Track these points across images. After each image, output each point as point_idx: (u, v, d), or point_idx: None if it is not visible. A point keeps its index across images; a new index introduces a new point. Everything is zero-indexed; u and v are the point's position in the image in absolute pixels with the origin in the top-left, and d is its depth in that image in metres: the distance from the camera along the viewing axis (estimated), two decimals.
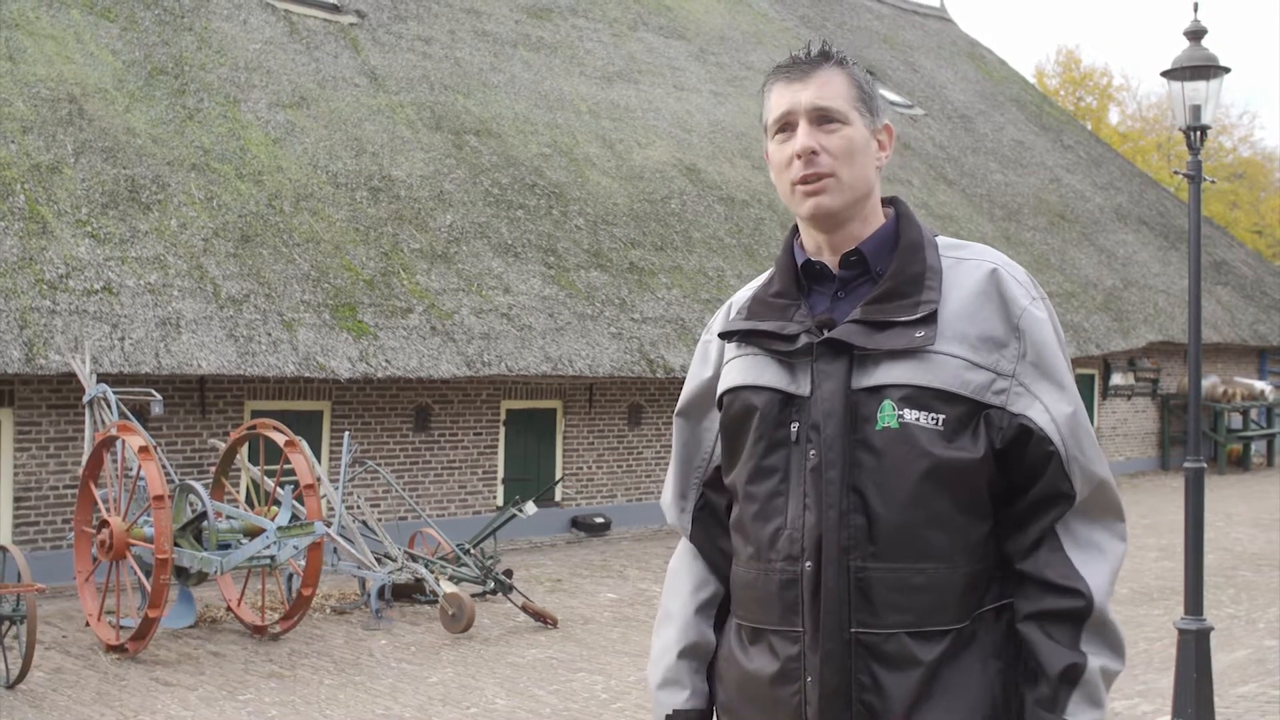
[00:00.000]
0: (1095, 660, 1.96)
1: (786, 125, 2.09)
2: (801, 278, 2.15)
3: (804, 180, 2.06)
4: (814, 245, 2.15)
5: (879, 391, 1.99)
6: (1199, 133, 6.89)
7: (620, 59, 18.50)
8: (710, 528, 2.28)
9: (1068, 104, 37.90)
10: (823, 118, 2.06)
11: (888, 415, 1.98)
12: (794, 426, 2.05)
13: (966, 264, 2.08)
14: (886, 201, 2.19)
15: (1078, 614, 1.96)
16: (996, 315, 2.02)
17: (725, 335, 2.21)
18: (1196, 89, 6.89)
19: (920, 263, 2.07)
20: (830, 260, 2.13)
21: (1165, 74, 7.04)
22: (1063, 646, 1.96)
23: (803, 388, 2.05)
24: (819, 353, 2.04)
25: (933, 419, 1.97)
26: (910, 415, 1.97)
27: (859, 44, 24.60)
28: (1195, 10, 7.21)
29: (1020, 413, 1.99)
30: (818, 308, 2.12)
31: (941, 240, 2.14)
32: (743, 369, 2.15)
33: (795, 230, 2.22)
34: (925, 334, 1.99)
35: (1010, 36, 62.60)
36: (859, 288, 2.10)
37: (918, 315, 2.00)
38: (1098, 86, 39.81)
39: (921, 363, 1.98)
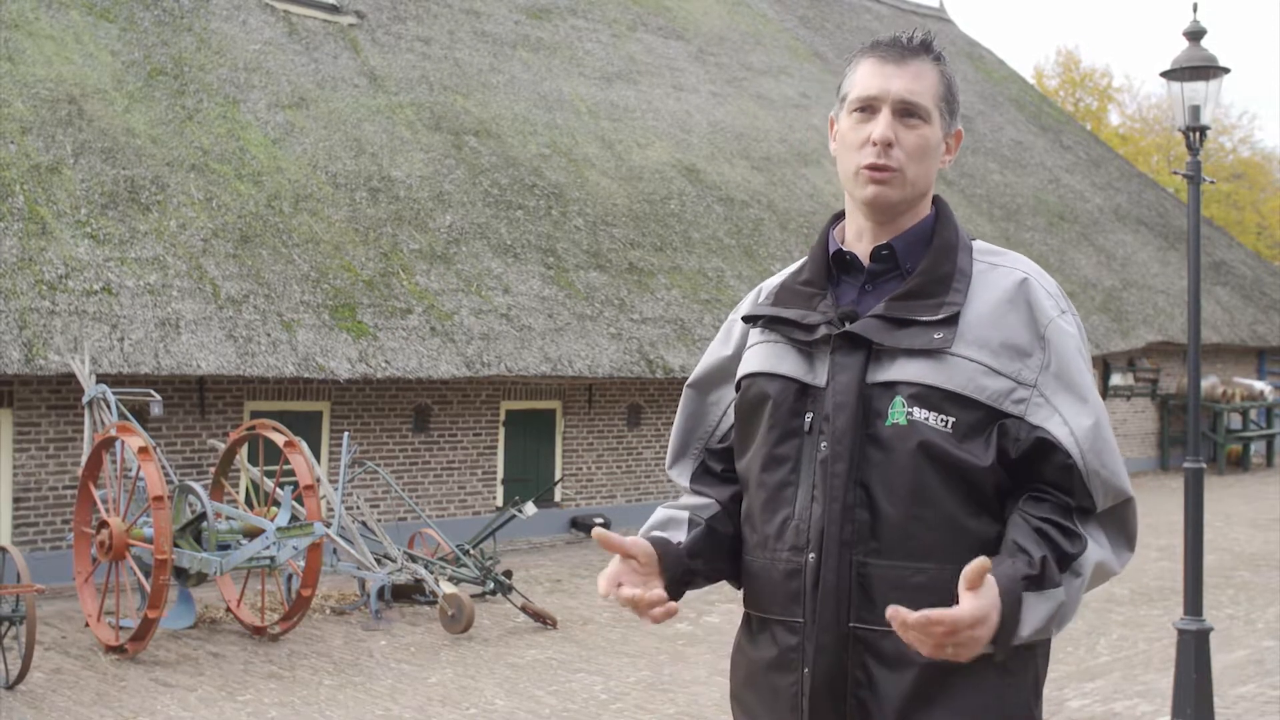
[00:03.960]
0: (1095, 552, 1.95)
1: (869, 107, 2.07)
2: (832, 267, 2.15)
3: (872, 167, 2.04)
4: (855, 232, 2.14)
5: (891, 387, 1.98)
6: (1198, 133, 6.90)
7: (619, 60, 18.51)
8: (708, 480, 2.27)
9: (1067, 105, 37.89)
10: (907, 111, 2.04)
11: (897, 411, 1.97)
12: (808, 417, 2.05)
13: (998, 270, 2.06)
14: None
15: (1067, 507, 1.96)
16: (1022, 324, 2.00)
17: (749, 319, 2.21)
18: (1196, 89, 6.90)
19: (950, 264, 2.05)
20: (865, 252, 2.12)
21: (1165, 74, 7.04)
22: (1056, 544, 1.92)
23: (819, 378, 2.05)
24: (837, 344, 2.03)
25: (942, 420, 1.95)
26: (919, 414, 1.96)
27: (857, 45, 24.57)
28: (1195, 11, 7.21)
29: (1039, 424, 1.96)
30: (844, 298, 2.11)
31: (978, 244, 2.12)
32: (762, 355, 2.14)
33: (833, 219, 2.21)
34: (944, 335, 1.97)
35: (1010, 37, 62.64)
36: (887, 282, 2.09)
37: (939, 316, 1.99)
38: (1097, 87, 39.81)
39: (937, 363, 1.97)
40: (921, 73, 2.06)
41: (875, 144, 2.03)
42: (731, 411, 2.24)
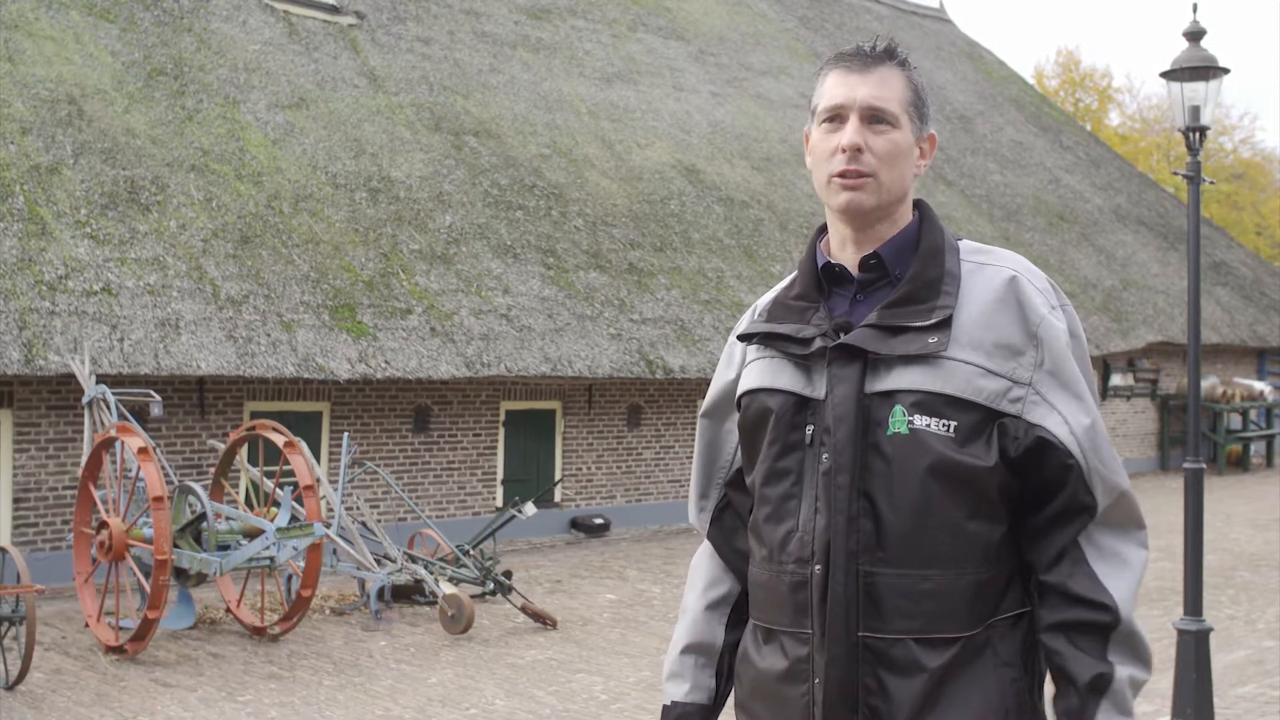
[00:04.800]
0: (1123, 670, 1.96)
1: (836, 116, 2.09)
2: (822, 280, 2.16)
3: (843, 175, 2.06)
4: (839, 243, 2.15)
5: (891, 396, 1.99)
6: (1198, 134, 6.90)
7: (619, 60, 18.51)
8: (729, 528, 2.29)
9: (1067, 105, 37.89)
10: (874, 117, 2.06)
11: (899, 421, 1.98)
12: (809, 429, 2.05)
13: (987, 270, 2.07)
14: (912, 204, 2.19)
15: (1104, 626, 1.96)
16: (1014, 323, 2.01)
17: (744, 338, 2.22)
18: (1196, 90, 6.90)
19: (938, 267, 2.06)
20: (851, 262, 2.13)
21: (1164, 75, 7.04)
22: (1090, 656, 1.95)
23: (818, 391, 2.05)
24: (833, 356, 2.04)
25: (944, 425, 1.96)
26: (921, 421, 1.97)
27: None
28: (1195, 11, 7.21)
29: (1037, 423, 1.97)
30: (837, 310, 2.12)
31: (964, 244, 2.13)
32: (760, 372, 2.16)
33: (819, 231, 2.22)
34: (938, 340, 1.98)
35: (1010, 37, 62.65)
36: (878, 291, 2.10)
37: (932, 321, 1.99)
38: (1097, 87, 39.80)
39: (934, 369, 1.97)
40: (886, 79, 2.08)
41: (844, 150, 2.05)
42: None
